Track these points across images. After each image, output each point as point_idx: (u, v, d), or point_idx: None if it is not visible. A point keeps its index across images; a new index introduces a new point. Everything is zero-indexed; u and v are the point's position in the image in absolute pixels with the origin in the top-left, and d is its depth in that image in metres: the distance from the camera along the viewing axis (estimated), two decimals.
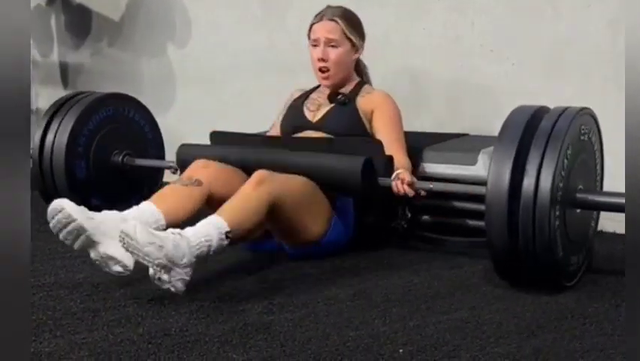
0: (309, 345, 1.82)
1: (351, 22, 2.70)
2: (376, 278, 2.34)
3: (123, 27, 4.03)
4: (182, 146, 2.73)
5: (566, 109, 2.17)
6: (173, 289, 2.01)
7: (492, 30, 3.08)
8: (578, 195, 2.18)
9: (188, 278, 2.03)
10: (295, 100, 2.82)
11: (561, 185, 2.07)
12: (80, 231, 2.10)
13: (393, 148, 2.57)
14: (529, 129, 2.12)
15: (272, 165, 2.40)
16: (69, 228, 2.10)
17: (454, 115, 3.17)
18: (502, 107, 3.00)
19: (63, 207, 2.10)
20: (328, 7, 2.74)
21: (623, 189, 2.02)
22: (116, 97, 3.18)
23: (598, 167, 2.36)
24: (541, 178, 2.04)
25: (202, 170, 2.42)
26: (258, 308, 2.07)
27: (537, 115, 2.17)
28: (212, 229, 2.08)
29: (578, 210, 2.21)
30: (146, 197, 3.06)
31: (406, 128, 2.80)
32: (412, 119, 3.08)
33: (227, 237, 2.09)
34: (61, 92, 4.23)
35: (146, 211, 2.25)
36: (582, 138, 2.19)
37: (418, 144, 2.76)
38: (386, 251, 2.66)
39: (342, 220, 2.50)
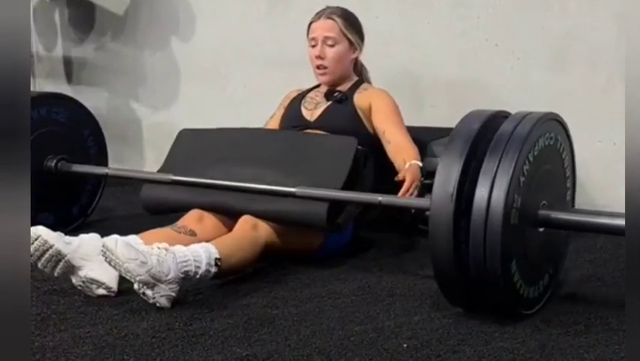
0: (314, 339, 1.82)
1: (350, 22, 2.70)
2: (380, 273, 2.34)
3: (127, 21, 4.02)
4: (146, 186, 2.57)
5: (528, 114, 1.92)
6: (158, 304, 1.99)
7: (497, 24, 3.06)
8: (541, 212, 1.92)
9: (173, 294, 2.00)
10: (293, 99, 2.81)
11: (518, 200, 1.81)
12: (59, 257, 2.06)
13: (399, 138, 2.55)
14: (484, 136, 1.87)
15: (239, 212, 2.35)
16: (47, 255, 2.05)
17: (458, 110, 3.14)
18: (508, 102, 3.00)
19: (39, 235, 2.05)
20: (327, 7, 2.74)
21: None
22: (50, 97, 2.89)
23: (568, 180, 2.09)
24: (494, 192, 1.78)
25: (197, 223, 2.36)
26: (262, 303, 2.07)
27: (494, 120, 1.93)
28: (202, 252, 2.06)
29: (541, 229, 1.95)
30: (85, 207, 2.95)
31: (410, 123, 2.79)
32: (416, 114, 3.08)
33: (216, 264, 2.07)
34: (65, 87, 4.24)
35: (128, 237, 2.16)
36: (546, 146, 1.93)
37: (422, 139, 2.75)
38: (390, 246, 2.66)
39: None
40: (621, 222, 1.84)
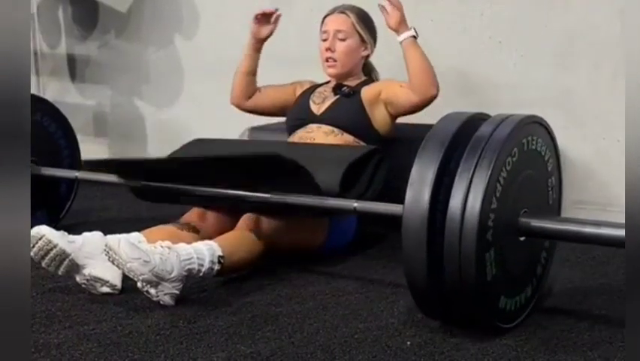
0: (317, 337, 1.82)
1: (363, 19, 2.73)
2: (384, 270, 2.34)
3: (130, 18, 4.02)
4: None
5: (508, 117, 1.83)
6: (161, 302, 2.00)
7: (501, 21, 3.06)
8: (521, 220, 1.82)
9: (177, 292, 2.01)
10: (305, 91, 2.82)
11: (496, 207, 1.73)
12: (63, 256, 2.06)
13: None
14: (460, 140, 1.78)
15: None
16: (51, 254, 2.06)
17: (461, 107, 3.14)
18: (511, 99, 3.00)
19: (43, 234, 2.06)
20: (343, 5, 2.77)
21: None
22: None
23: (552, 186, 1.99)
24: (469, 199, 1.69)
25: (199, 220, 2.36)
26: (265, 300, 2.07)
27: (471, 123, 1.83)
28: (205, 250, 2.07)
29: (522, 238, 1.85)
30: (56, 213, 2.85)
31: (413, 120, 2.79)
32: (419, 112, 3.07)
33: (219, 261, 2.07)
34: (68, 84, 4.24)
35: (131, 235, 2.16)
36: (528, 151, 1.84)
37: (424, 136, 2.74)
38: (393, 244, 2.66)
39: (342, 225, 2.49)
40: (608, 231, 1.76)
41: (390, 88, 2.64)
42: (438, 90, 2.55)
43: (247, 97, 2.86)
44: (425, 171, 1.75)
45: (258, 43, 2.82)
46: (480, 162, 1.72)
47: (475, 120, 1.86)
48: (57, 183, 2.89)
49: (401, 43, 2.56)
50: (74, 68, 4.26)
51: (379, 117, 2.64)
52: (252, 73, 2.85)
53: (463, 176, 1.72)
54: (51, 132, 2.88)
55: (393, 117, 2.66)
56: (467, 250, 1.69)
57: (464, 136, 1.79)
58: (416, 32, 2.56)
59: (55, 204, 2.90)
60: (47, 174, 2.73)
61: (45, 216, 2.80)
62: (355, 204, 2.08)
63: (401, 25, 2.54)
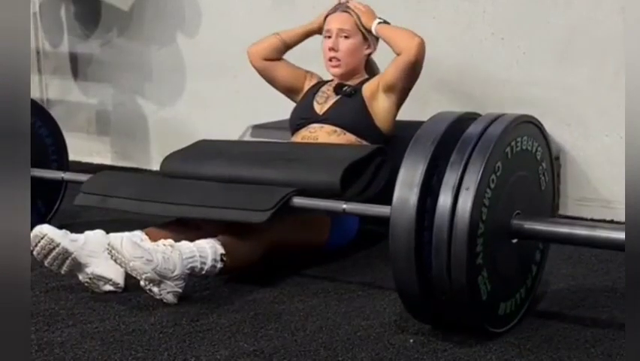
0: (320, 334, 1.83)
1: None
2: (387, 268, 2.32)
3: (132, 17, 4.02)
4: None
5: (499, 116, 1.79)
6: (164, 300, 2.01)
7: (503, 18, 3.06)
8: (514, 222, 1.78)
9: (180, 290, 2.01)
10: (310, 88, 2.81)
11: (486, 208, 1.69)
12: (65, 255, 2.07)
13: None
14: (449, 140, 1.74)
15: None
16: (53, 253, 2.07)
17: (463, 104, 3.15)
18: (513, 96, 3.00)
19: (45, 233, 2.07)
20: (343, 2, 2.77)
21: None
22: None
23: (546, 187, 1.94)
24: (460, 200, 1.65)
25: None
26: (268, 298, 2.07)
27: (461, 123, 1.80)
28: (208, 248, 2.07)
29: (515, 241, 1.81)
30: (43, 215, 2.78)
31: (415, 118, 2.79)
32: (421, 108, 3.07)
33: (222, 259, 2.08)
34: (71, 83, 4.24)
35: (133, 233, 2.17)
36: (520, 151, 1.80)
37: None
38: None
39: (344, 223, 2.49)
40: (602, 233, 1.74)
41: (383, 73, 2.65)
42: (421, 37, 2.55)
43: (266, 58, 2.84)
44: (413, 172, 1.71)
45: (313, 33, 2.81)
46: (471, 162, 1.69)
47: (467, 120, 1.82)
48: (44, 184, 2.80)
49: (377, 33, 2.64)
50: (77, 66, 4.27)
51: (381, 112, 2.64)
52: (287, 46, 2.83)
53: (452, 176, 1.68)
54: (38, 132, 2.83)
55: (397, 105, 2.65)
56: (458, 253, 1.66)
57: (455, 135, 1.76)
58: (381, 18, 2.65)
59: (42, 205, 2.85)
60: (34, 175, 2.61)
61: (32, 218, 2.72)
62: (344, 206, 2.04)
63: (370, 20, 2.64)
